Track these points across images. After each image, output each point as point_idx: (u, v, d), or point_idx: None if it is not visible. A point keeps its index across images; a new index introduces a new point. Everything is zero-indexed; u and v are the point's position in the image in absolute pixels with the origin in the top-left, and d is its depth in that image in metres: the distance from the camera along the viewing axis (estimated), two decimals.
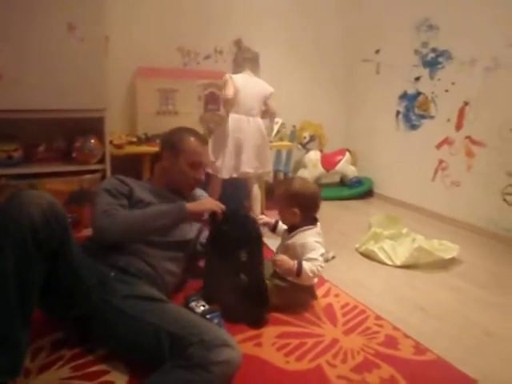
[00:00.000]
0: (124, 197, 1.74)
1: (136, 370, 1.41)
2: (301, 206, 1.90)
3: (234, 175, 2.79)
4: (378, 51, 3.86)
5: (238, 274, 1.71)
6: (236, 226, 1.75)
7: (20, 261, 1.21)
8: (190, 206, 1.72)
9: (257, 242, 1.77)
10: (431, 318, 1.93)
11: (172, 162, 1.86)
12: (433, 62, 3.36)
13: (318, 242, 1.86)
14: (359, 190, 3.91)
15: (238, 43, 2.98)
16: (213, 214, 1.74)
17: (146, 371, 1.28)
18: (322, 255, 1.84)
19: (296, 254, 1.86)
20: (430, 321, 1.91)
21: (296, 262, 1.80)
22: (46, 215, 1.25)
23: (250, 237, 1.75)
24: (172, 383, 1.19)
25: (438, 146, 3.37)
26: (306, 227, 1.90)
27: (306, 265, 1.79)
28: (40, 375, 1.39)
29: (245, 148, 2.74)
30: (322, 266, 1.81)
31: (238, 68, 2.89)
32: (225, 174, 2.75)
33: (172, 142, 1.90)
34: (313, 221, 1.94)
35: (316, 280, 1.91)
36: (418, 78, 3.50)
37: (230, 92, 2.69)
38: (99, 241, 1.63)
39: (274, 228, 2.10)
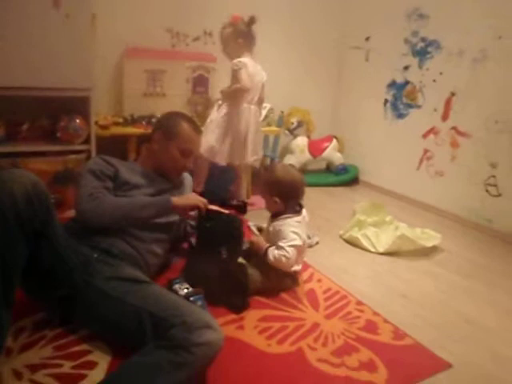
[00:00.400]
0: (109, 178, 1.72)
1: (118, 350, 1.42)
2: (281, 194, 1.92)
3: (236, 163, 2.80)
4: (368, 38, 3.85)
5: (218, 264, 1.76)
6: (219, 224, 1.79)
7: (1, 241, 1.19)
8: (176, 200, 1.71)
9: (237, 241, 1.86)
10: (412, 305, 1.97)
11: (163, 146, 1.85)
12: (422, 51, 3.36)
13: (293, 232, 1.87)
14: (345, 177, 3.93)
15: (252, 21, 2.75)
16: (198, 210, 1.76)
17: (129, 351, 1.29)
18: (292, 246, 1.84)
19: (273, 239, 1.91)
20: (410, 307, 1.95)
21: (267, 245, 1.88)
22: (29, 195, 1.23)
23: (231, 236, 1.83)
24: (154, 363, 1.20)
25: (424, 136, 3.40)
26: (286, 215, 1.92)
27: (270, 251, 1.85)
28: (22, 354, 1.39)
29: (249, 137, 2.74)
30: (286, 256, 1.82)
31: (240, 50, 2.75)
32: (223, 161, 2.73)
33: (166, 125, 1.88)
34: (296, 209, 1.96)
35: (292, 266, 1.90)
36: (406, 67, 3.50)
37: (248, 81, 2.65)
38: (82, 223, 1.62)
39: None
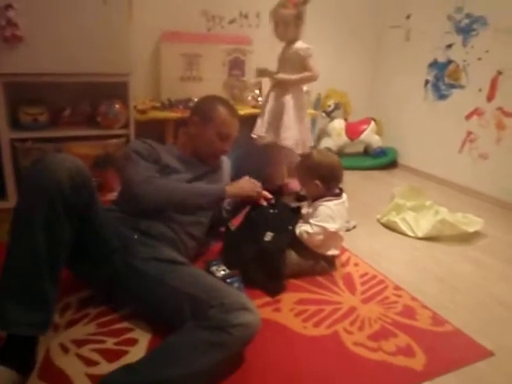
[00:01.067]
0: (155, 163, 1.76)
1: (158, 329, 1.47)
2: (322, 177, 1.92)
3: (304, 151, 2.70)
4: (408, 16, 3.71)
5: (258, 247, 1.77)
6: (278, 212, 1.86)
7: (48, 221, 1.24)
8: (229, 189, 1.76)
9: (288, 233, 1.87)
10: (451, 291, 1.93)
11: (200, 130, 1.86)
12: (466, 28, 3.21)
13: (328, 216, 1.87)
14: (383, 161, 3.84)
15: (306, 2, 2.61)
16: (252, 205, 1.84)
17: (168, 330, 1.33)
18: (319, 226, 1.85)
19: (307, 219, 1.93)
20: (449, 293, 1.91)
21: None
22: (73, 178, 1.27)
23: (286, 228, 1.86)
24: (192, 342, 1.23)
25: (467, 117, 3.26)
26: (326, 198, 1.91)
27: (298, 225, 1.89)
28: (68, 330, 1.47)
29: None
30: (308, 232, 1.85)
31: (300, 33, 2.63)
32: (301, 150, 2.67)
33: (203, 109, 1.89)
34: (336, 192, 1.96)
35: (316, 245, 1.90)
36: (449, 46, 3.36)
37: (318, 69, 2.61)
38: (136, 206, 1.65)
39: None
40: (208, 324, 1.25)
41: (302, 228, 1.89)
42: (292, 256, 1.85)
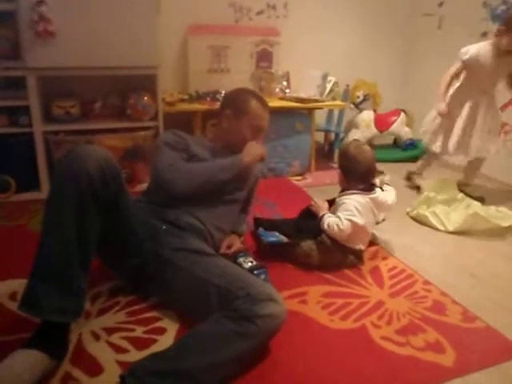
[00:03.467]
0: (183, 151, 1.78)
1: (186, 319, 1.49)
2: (347, 172, 1.93)
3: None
4: (441, 4, 3.60)
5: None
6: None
7: (78, 211, 1.27)
8: (243, 156, 1.76)
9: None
10: (482, 286, 1.88)
11: (232, 124, 1.85)
12: (503, 15, 3.09)
13: (356, 208, 1.86)
14: (413, 153, 3.76)
15: None
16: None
17: (196, 320, 1.35)
18: (349, 219, 1.84)
19: (336, 211, 1.92)
20: (480, 289, 1.86)
21: (325, 212, 1.93)
22: (102, 169, 1.30)
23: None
24: (219, 332, 1.24)
25: (502, 108, 3.15)
26: (354, 191, 1.89)
27: (327, 217, 1.89)
28: (99, 318, 1.50)
29: None
30: (339, 226, 1.83)
31: None
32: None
33: (235, 102, 1.87)
34: (367, 187, 1.94)
35: (344, 239, 1.89)
36: (484, 34, 3.24)
37: None
38: (167, 193, 1.68)
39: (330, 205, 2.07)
40: (235, 314, 1.26)
41: (331, 220, 1.87)
42: (320, 248, 1.87)
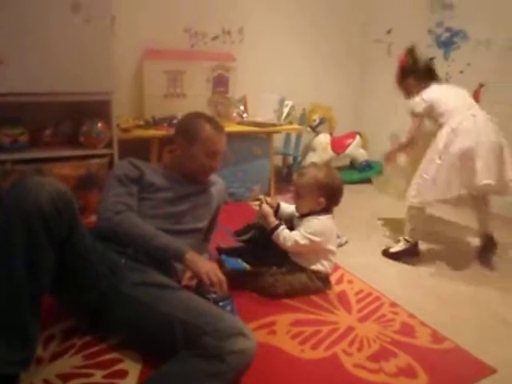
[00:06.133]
0: (133, 183, 1.69)
1: (149, 359, 1.38)
2: (328, 197, 1.89)
3: None
4: (389, 31, 3.76)
5: None
6: None
7: (29, 249, 1.17)
8: (190, 258, 1.51)
9: None
10: (446, 305, 1.90)
11: (186, 150, 1.78)
12: (447, 42, 3.26)
13: (321, 229, 1.85)
14: (369, 174, 3.84)
15: None
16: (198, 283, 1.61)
17: (160, 360, 1.26)
18: (309, 239, 1.82)
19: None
20: (445, 308, 1.87)
21: (277, 222, 1.90)
22: (55, 203, 1.21)
23: None
24: (187, 373, 1.16)
25: None
26: (321, 213, 1.88)
27: (283, 230, 1.86)
28: (52, 363, 1.37)
29: None
30: (297, 242, 1.82)
31: None
32: None
33: (187, 129, 1.81)
34: (329, 210, 1.93)
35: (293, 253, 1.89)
36: (431, 59, 3.38)
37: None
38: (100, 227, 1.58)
39: (275, 212, 2.02)
40: (203, 352, 1.19)
41: (287, 234, 1.85)
42: (287, 277, 1.82)
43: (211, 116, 1.94)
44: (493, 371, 1.47)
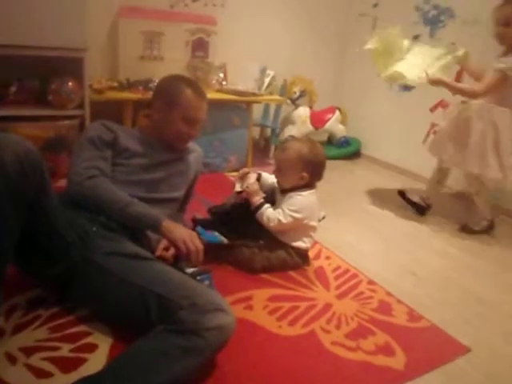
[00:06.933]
0: (107, 146, 1.58)
1: (120, 332, 1.32)
2: (311, 172, 1.82)
3: None
4: (375, 5, 3.66)
5: None
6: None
7: None
8: (166, 227, 1.44)
9: None
10: (422, 284, 1.91)
11: (165, 116, 1.66)
12: (434, 19, 3.20)
13: (305, 205, 1.79)
14: (347, 150, 3.82)
15: None
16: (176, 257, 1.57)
17: (131, 333, 1.20)
18: (293, 217, 1.77)
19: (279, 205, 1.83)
20: (421, 287, 1.88)
21: (262, 200, 1.82)
22: (21, 164, 1.10)
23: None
24: (163, 349, 1.10)
25: (432, 109, 3.27)
26: (304, 189, 1.82)
27: (265, 209, 1.80)
28: (15, 336, 1.28)
29: None
30: (280, 221, 1.76)
31: None
32: None
33: (166, 92, 1.69)
34: (314, 184, 1.88)
35: (277, 232, 1.83)
36: (416, 37, 3.33)
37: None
38: (71, 194, 1.47)
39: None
40: (179, 327, 1.13)
41: (271, 213, 1.79)
42: (265, 251, 1.77)
43: (193, 80, 1.83)
44: (467, 350, 1.48)
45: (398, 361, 1.39)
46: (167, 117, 1.67)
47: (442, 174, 2.65)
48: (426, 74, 2.38)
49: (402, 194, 2.78)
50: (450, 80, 2.43)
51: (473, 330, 1.60)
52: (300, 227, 1.81)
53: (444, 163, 2.56)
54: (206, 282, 1.45)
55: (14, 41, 2.15)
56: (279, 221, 1.76)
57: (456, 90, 2.42)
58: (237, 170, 3.08)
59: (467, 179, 2.53)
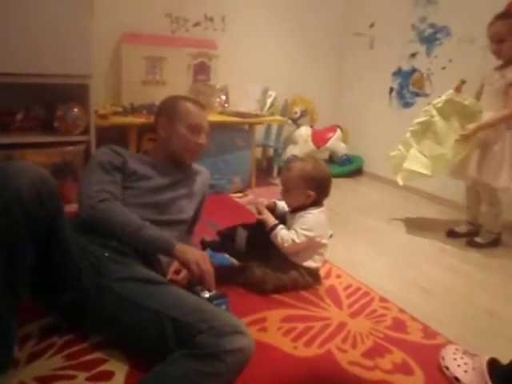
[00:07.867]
0: (117, 171, 1.59)
1: (136, 359, 1.30)
2: (317, 189, 1.83)
3: None
4: (372, 25, 3.74)
5: None
6: None
7: (8, 239, 1.07)
8: (179, 250, 1.43)
9: None
10: (435, 300, 1.89)
11: (169, 129, 1.69)
12: (430, 38, 3.26)
13: (315, 224, 1.79)
14: (349, 168, 3.84)
15: None
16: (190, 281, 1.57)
17: (147, 360, 1.18)
18: (305, 235, 1.76)
19: (290, 227, 1.83)
20: (434, 303, 1.87)
21: (276, 222, 1.81)
22: (37, 190, 1.10)
23: None
24: (182, 374, 1.08)
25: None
26: (312, 208, 1.82)
27: (279, 230, 1.78)
28: (30, 365, 1.26)
29: None
30: (294, 241, 1.75)
31: None
32: None
33: (167, 108, 1.74)
34: (322, 203, 1.88)
35: (292, 254, 1.82)
36: (413, 55, 3.40)
37: None
38: (82, 217, 1.47)
39: (272, 210, 1.96)
40: (199, 352, 1.11)
41: (285, 234, 1.77)
42: (269, 274, 1.78)
43: (191, 97, 1.87)
44: None
45: (417, 379, 1.37)
46: (172, 130, 1.70)
47: (472, 191, 2.61)
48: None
49: (451, 233, 2.64)
50: (485, 120, 2.37)
51: (486, 345, 1.58)
52: (311, 246, 1.81)
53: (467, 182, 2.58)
54: (223, 307, 1.43)
55: (19, 69, 2.18)
56: (293, 241, 1.75)
57: (498, 122, 2.35)
58: (241, 191, 3.13)
59: (479, 191, 2.54)
